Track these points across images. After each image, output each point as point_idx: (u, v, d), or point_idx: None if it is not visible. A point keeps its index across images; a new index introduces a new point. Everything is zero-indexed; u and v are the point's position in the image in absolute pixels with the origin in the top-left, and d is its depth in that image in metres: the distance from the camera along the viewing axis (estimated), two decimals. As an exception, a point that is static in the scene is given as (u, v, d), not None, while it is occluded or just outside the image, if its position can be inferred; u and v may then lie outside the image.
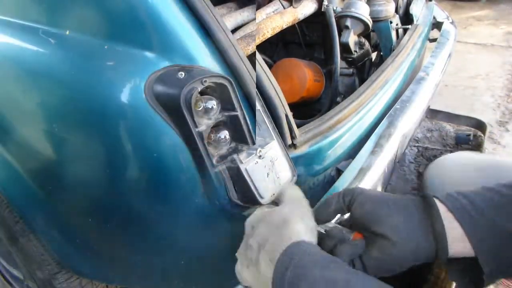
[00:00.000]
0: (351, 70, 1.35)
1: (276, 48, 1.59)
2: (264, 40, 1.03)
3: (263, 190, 0.63)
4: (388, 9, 1.28)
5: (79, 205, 0.73)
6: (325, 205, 0.57)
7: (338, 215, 0.58)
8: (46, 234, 0.83)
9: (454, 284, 1.15)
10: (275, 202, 0.64)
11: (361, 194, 0.55)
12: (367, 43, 1.31)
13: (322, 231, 0.57)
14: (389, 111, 1.04)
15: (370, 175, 0.83)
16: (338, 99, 1.24)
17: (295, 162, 0.69)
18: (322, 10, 1.24)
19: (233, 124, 0.64)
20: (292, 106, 1.35)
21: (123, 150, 0.62)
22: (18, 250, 0.93)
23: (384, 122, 0.99)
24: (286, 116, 0.69)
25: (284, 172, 0.68)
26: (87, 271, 0.87)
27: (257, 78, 0.69)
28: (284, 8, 1.15)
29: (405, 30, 1.36)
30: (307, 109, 1.43)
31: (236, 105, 0.63)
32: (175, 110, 0.57)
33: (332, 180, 0.88)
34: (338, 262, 0.48)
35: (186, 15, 0.63)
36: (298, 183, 0.70)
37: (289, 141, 0.73)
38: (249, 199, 0.63)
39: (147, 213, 0.68)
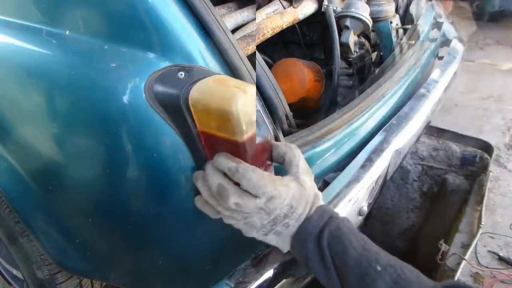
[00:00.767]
0: (351, 70, 1.35)
1: (276, 48, 1.58)
2: (264, 40, 1.02)
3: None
4: (388, 9, 1.28)
5: (78, 205, 0.73)
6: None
7: None
8: (45, 234, 0.82)
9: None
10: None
11: None
12: (367, 43, 1.31)
13: None
14: (385, 125, 1.02)
15: (357, 189, 0.82)
16: (338, 99, 1.24)
17: (280, 170, 0.68)
18: (322, 10, 1.24)
19: (233, 124, 0.64)
20: (292, 106, 1.36)
21: (123, 150, 0.62)
22: (17, 250, 0.93)
23: (378, 136, 0.97)
24: (286, 116, 0.69)
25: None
26: (87, 271, 0.87)
27: (257, 78, 0.69)
28: (284, 8, 1.15)
29: (405, 30, 1.36)
30: (307, 109, 1.43)
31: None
32: (175, 110, 0.57)
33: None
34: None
35: (186, 15, 0.63)
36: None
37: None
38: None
39: (147, 213, 0.68)
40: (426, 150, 1.90)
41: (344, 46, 1.23)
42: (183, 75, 0.58)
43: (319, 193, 0.65)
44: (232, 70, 0.66)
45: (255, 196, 0.57)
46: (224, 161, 0.57)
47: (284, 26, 1.10)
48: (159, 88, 0.58)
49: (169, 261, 0.75)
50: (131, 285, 0.87)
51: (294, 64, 1.32)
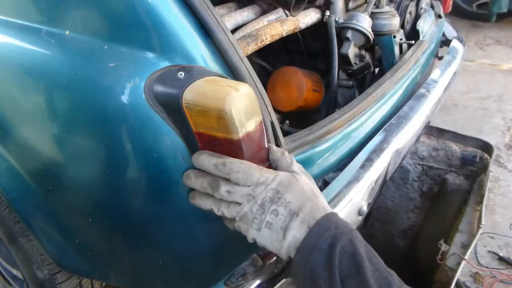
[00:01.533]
0: (350, 82, 1.33)
1: (280, 55, 1.58)
2: (262, 46, 1.02)
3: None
4: (392, 23, 1.27)
5: (78, 205, 0.73)
6: None
7: None
8: (45, 234, 0.83)
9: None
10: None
11: None
12: (368, 56, 1.30)
13: None
14: (385, 125, 1.02)
15: (356, 188, 0.82)
16: (336, 110, 1.23)
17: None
18: (324, 20, 1.23)
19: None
20: (290, 115, 1.35)
21: (122, 150, 0.62)
22: (17, 250, 0.93)
23: (378, 136, 0.97)
24: (272, 123, 0.69)
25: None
26: (87, 271, 0.87)
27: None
28: (287, 16, 1.15)
29: (409, 45, 1.35)
30: (305, 119, 1.42)
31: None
32: (175, 110, 0.57)
33: (319, 191, 0.87)
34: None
35: (186, 15, 0.63)
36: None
37: None
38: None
39: (147, 213, 0.68)
40: (426, 150, 1.90)
41: (344, 58, 1.23)
42: (183, 75, 0.58)
43: (319, 191, 0.62)
44: (232, 70, 0.66)
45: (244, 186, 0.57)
46: (208, 157, 0.58)
47: (284, 34, 1.09)
48: (159, 88, 0.58)
49: (169, 261, 0.75)
50: (131, 285, 0.87)
51: (294, 73, 1.32)
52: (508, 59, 3.26)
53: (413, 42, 1.34)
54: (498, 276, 1.27)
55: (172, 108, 0.58)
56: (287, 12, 1.14)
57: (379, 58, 1.40)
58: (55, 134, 0.68)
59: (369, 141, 0.96)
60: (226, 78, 0.62)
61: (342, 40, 1.23)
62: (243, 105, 0.55)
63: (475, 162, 1.80)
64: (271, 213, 0.57)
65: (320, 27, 1.25)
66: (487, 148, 1.80)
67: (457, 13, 3.80)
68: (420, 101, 1.15)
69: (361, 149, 0.93)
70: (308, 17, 1.20)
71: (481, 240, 1.41)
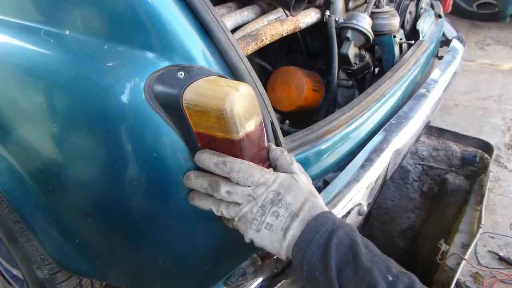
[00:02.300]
0: (350, 82, 1.34)
1: (280, 55, 1.58)
2: (261, 46, 1.02)
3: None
4: (392, 23, 1.27)
5: (78, 205, 0.73)
6: None
7: None
8: (45, 233, 0.83)
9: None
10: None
11: None
12: (367, 56, 1.30)
13: None
14: (384, 125, 1.02)
15: (357, 188, 0.82)
16: (336, 110, 1.23)
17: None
18: (324, 20, 1.23)
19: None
20: (290, 114, 1.36)
21: (122, 150, 0.62)
22: (17, 250, 0.93)
23: (378, 136, 0.98)
24: (272, 123, 0.69)
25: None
26: (87, 271, 0.87)
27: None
28: (287, 16, 1.15)
29: (409, 45, 1.35)
30: (305, 119, 1.42)
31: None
32: (175, 110, 0.57)
33: (318, 191, 0.87)
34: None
35: (186, 15, 0.63)
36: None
37: None
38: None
39: (147, 212, 0.68)
40: (426, 150, 1.90)
41: (344, 58, 1.23)
42: (182, 75, 0.58)
43: (316, 191, 0.63)
44: (232, 70, 0.66)
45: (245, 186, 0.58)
46: (209, 156, 0.58)
47: (284, 34, 1.09)
48: (159, 88, 0.58)
49: (169, 261, 0.75)
50: (131, 285, 0.87)
51: (294, 73, 1.32)
52: (508, 59, 3.26)
53: (413, 42, 1.35)
54: (498, 276, 1.27)
55: (172, 108, 0.58)
56: (287, 12, 1.14)
57: (379, 58, 1.40)
58: (55, 134, 0.68)
59: (369, 141, 0.96)
60: (226, 78, 0.62)
61: (342, 40, 1.23)
62: (243, 105, 0.55)
63: (475, 162, 1.81)
64: (271, 214, 0.57)
65: (320, 27, 1.25)
66: (487, 148, 1.80)
67: (457, 13, 3.80)
68: (420, 101, 1.15)
69: (361, 149, 0.93)
70: (308, 17, 1.20)
71: (481, 240, 1.41)
